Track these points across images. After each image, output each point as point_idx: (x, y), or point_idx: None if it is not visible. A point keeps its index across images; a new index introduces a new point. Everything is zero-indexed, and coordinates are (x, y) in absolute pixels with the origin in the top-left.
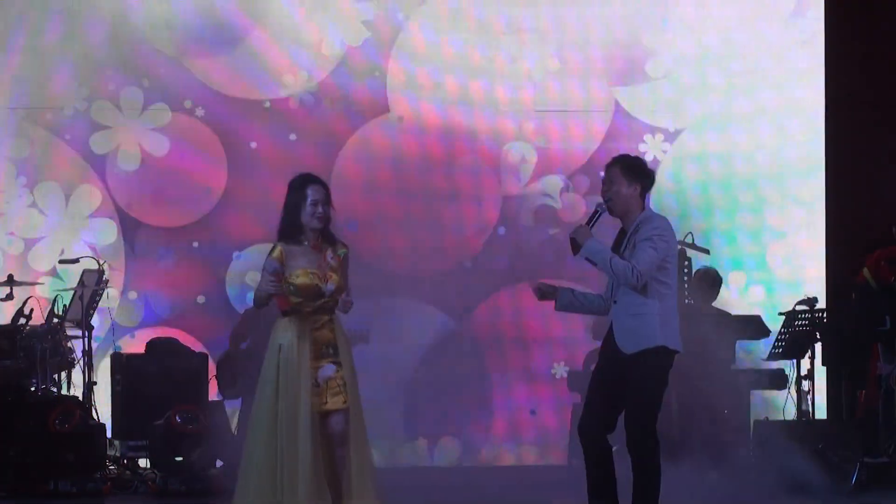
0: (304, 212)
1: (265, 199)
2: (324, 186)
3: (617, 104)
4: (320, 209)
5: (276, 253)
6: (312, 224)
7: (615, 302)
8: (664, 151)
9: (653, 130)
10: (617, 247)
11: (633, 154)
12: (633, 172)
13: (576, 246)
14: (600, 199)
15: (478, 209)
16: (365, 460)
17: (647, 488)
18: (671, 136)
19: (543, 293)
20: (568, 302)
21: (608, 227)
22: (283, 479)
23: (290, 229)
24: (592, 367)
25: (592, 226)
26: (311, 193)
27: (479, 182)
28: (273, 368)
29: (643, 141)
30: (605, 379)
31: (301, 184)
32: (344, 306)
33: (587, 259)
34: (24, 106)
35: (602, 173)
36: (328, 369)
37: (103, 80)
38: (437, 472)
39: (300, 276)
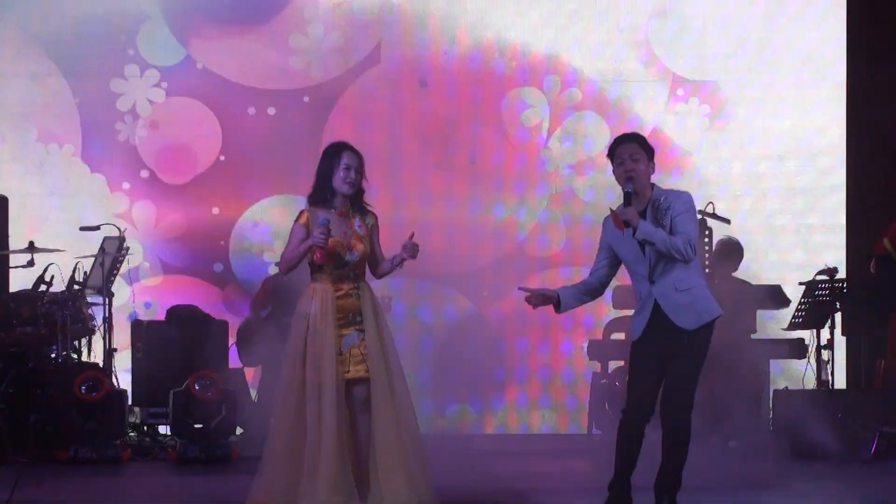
0: (336, 177)
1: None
2: (358, 155)
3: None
4: (353, 175)
5: (303, 219)
6: (343, 189)
7: (653, 282)
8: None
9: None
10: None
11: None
12: (649, 149)
13: (630, 227)
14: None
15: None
16: (397, 430)
17: (681, 457)
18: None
19: (538, 300)
20: (566, 302)
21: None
22: (309, 452)
23: (320, 194)
24: (613, 336)
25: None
26: (345, 159)
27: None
28: (299, 338)
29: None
30: (651, 365)
31: (336, 150)
32: (411, 251)
33: (643, 239)
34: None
35: (611, 150)
36: (352, 337)
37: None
38: (459, 440)
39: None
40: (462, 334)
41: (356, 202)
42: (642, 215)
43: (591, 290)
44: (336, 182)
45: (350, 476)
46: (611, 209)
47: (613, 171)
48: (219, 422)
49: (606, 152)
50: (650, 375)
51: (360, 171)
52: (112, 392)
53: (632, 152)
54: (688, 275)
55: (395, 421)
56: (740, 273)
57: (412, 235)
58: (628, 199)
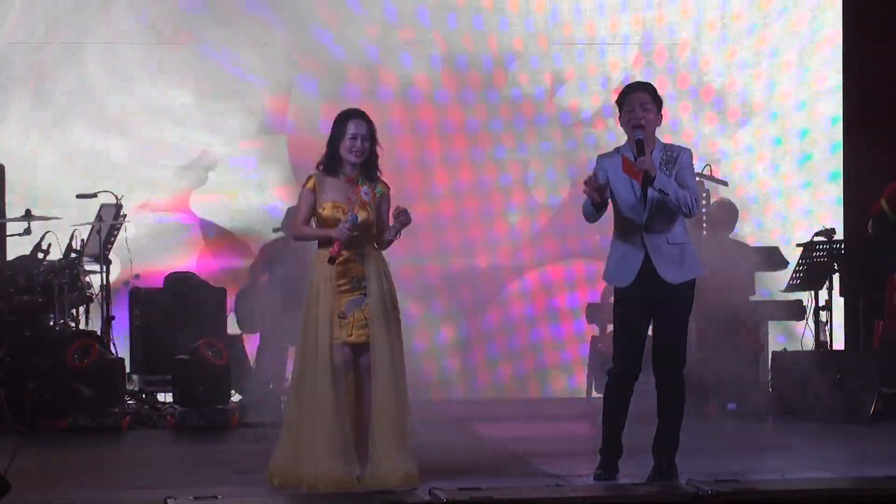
0: (343, 145)
1: None
2: (367, 122)
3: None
4: (359, 143)
5: (310, 184)
6: (350, 158)
7: (647, 230)
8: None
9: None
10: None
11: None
12: (658, 100)
13: (648, 178)
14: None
15: None
16: (395, 397)
17: (678, 414)
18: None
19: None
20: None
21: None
22: (309, 418)
23: (328, 161)
24: (612, 299)
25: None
26: (352, 127)
27: None
28: (306, 305)
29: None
30: (637, 319)
31: (344, 118)
32: (402, 219)
33: (659, 190)
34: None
35: (621, 97)
36: (355, 301)
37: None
38: (461, 405)
39: (326, 208)
40: (457, 296)
41: (368, 170)
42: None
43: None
44: (343, 150)
45: (350, 441)
46: (623, 156)
47: (620, 118)
48: (219, 388)
49: (616, 98)
50: (637, 329)
51: (368, 138)
52: (107, 359)
53: (643, 101)
54: (680, 230)
55: (393, 387)
56: (736, 235)
57: (398, 208)
58: (641, 146)
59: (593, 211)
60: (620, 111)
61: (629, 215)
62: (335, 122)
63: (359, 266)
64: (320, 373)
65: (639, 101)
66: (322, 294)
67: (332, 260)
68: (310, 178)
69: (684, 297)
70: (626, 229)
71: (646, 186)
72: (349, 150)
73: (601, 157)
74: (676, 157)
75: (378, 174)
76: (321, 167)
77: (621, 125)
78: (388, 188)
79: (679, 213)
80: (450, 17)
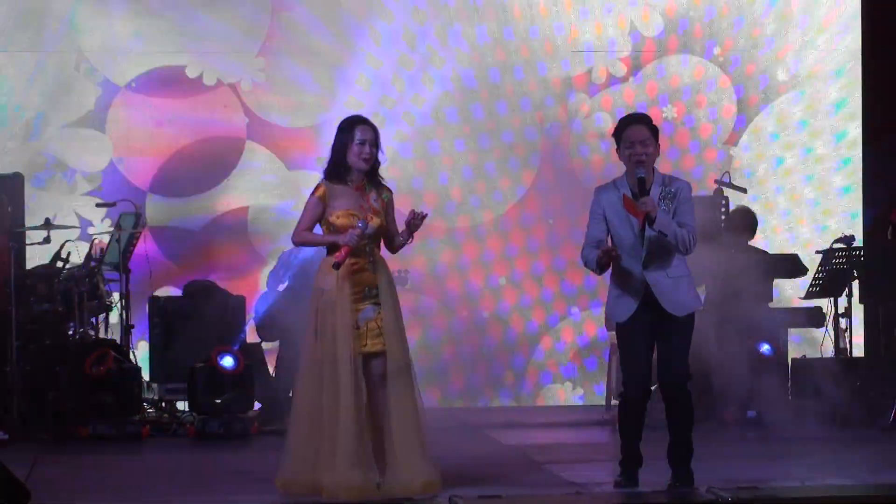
0: (351, 151)
1: None
2: (372, 128)
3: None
4: (367, 149)
5: (320, 192)
6: (359, 165)
7: (646, 266)
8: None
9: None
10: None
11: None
12: (655, 130)
13: (649, 219)
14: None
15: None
16: (409, 404)
17: (689, 424)
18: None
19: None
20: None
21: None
22: (327, 428)
23: (336, 169)
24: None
25: (645, 193)
26: (360, 133)
27: None
28: (316, 314)
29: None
30: (643, 344)
31: (350, 124)
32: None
33: (658, 231)
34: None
35: (619, 131)
36: (369, 311)
37: None
38: (473, 412)
39: (340, 216)
40: (473, 305)
41: (372, 176)
42: (646, 194)
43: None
44: (351, 157)
45: (369, 451)
46: (624, 194)
47: (618, 152)
48: (238, 397)
49: (612, 131)
50: (643, 354)
51: (375, 144)
52: (126, 368)
53: (642, 137)
54: (679, 262)
55: (412, 395)
56: (755, 242)
57: (412, 212)
58: (643, 186)
59: (596, 269)
60: (618, 144)
61: (628, 252)
62: (340, 129)
63: (370, 274)
64: (343, 384)
65: (638, 137)
66: (339, 304)
67: (337, 265)
68: (319, 186)
69: (688, 326)
70: (625, 264)
71: (645, 226)
72: (358, 156)
73: (599, 191)
74: (675, 191)
75: (381, 179)
76: (327, 175)
77: (620, 158)
78: (392, 193)
79: (676, 252)
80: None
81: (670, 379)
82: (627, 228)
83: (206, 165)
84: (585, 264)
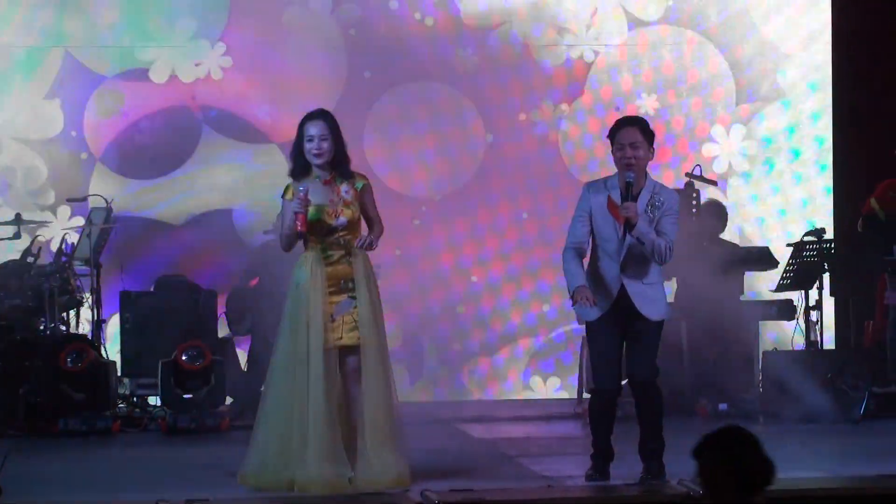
0: (305, 148)
1: None
2: (325, 122)
3: None
4: (317, 144)
5: (288, 194)
6: (312, 160)
7: (623, 269)
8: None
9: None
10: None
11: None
12: (649, 135)
13: (629, 224)
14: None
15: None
16: (383, 398)
17: (658, 418)
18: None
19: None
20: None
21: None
22: (299, 422)
23: (297, 168)
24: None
25: (629, 199)
26: (308, 129)
27: None
28: (290, 307)
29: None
30: (613, 342)
31: (301, 122)
32: (363, 243)
33: (637, 238)
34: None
35: (612, 132)
36: (345, 304)
37: None
38: (445, 406)
39: (310, 213)
40: (448, 298)
41: (340, 168)
42: (634, 199)
43: (581, 262)
44: (307, 154)
45: (341, 445)
46: (609, 195)
47: (612, 153)
48: (208, 391)
49: (607, 133)
50: (614, 351)
51: (329, 137)
52: (97, 363)
53: (633, 139)
54: (655, 270)
55: (386, 389)
56: (726, 235)
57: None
58: (629, 190)
59: (569, 289)
60: (612, 145)
61: (605, 248)
62: (298, 126)
63: (347, 267)
64: (313, 378)
65: (629, 139)
66: (312, 297)
67: (300, 235)
68: (287, 187)
69: (657, 327)
70: (603, 263)
71: (626, 230)
72: (309, 153)
73: (589, 188)
74: (663, 202)
75: (352, 170)
76: (293, 175)
77: (613, 160)
78: (367, 180)
79: (651, 260)
80: None
81: (640, 379)
82: (611, 230)
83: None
84: (564, 270)
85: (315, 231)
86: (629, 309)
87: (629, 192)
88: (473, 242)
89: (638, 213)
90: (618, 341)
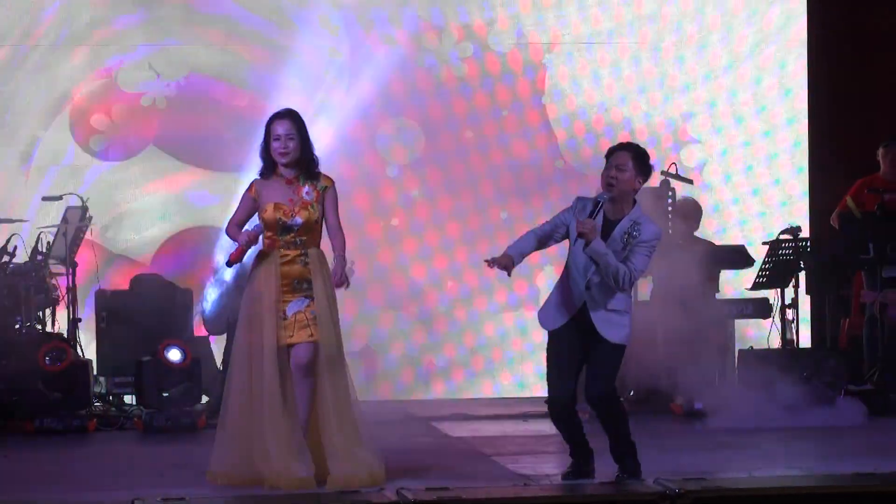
0: (271, 147)
1: None
2: (291, 121)
3: None
4: (283, 144)
5: (252, 191)
6: (277, 159)
7: (588, 288)
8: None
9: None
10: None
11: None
12: (643, 164)
13: (585, 241)
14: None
15: None
16: (344, 396)
17: (621, 427)
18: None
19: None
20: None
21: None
22: (258, 417)
23: (265, 167)
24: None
25: (594, 216)
26: (274, 129)
27: None
28: (245, 304)
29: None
30: (571, 352)
31: (268, 121)
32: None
33: (589, 255)
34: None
35: (607, 154)
36: (297, 303)
37: None
38: (420, 405)
39: (268, 210)
40: (422, 297)
41: (306, 168)
42: (614, 227)
43: (531, 245)
44: (273, 153)
45: (302, 442)
46: (579, 212)
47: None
48: (186, 390)
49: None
50: (566, 361)
51: (295, 137)
52: (76, 362)
53: (620, 162)
54: (620, 295)
55: (347, 387)
56: (700, 233)
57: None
58: (597, 207)
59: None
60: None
61: (576, 264)
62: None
63: (301, 267)
64: (268, 374)
65: (616, 162)
66: (265, 294)
67: (228, 263)
68: (252, 184)
69: (616, 351)
70: (572, 277)
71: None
72: (275, 152)
73: (577, 202)
74: (640, 233)
75: (318, 171)
76: (260, 172)
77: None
78: (332, 182)
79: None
80: None
81: (593, 393)
82: (580, 247)
83: None
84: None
85: (270, 228)
86: (591, 329)
87: (595, 210)
88: (444, 254)
89: (596, 230)
90: (574, 354)
